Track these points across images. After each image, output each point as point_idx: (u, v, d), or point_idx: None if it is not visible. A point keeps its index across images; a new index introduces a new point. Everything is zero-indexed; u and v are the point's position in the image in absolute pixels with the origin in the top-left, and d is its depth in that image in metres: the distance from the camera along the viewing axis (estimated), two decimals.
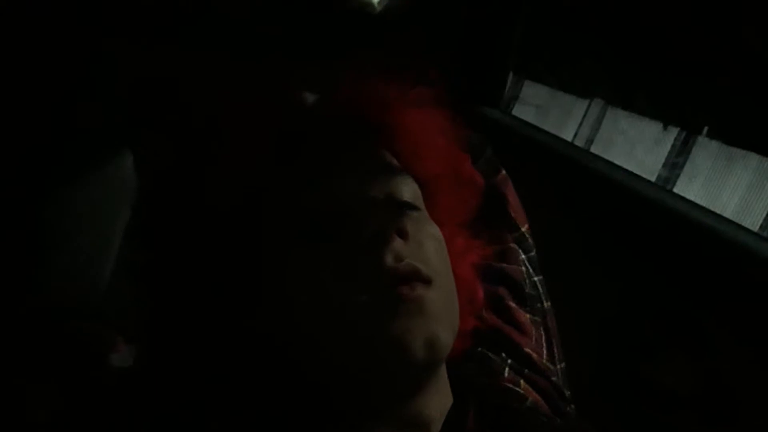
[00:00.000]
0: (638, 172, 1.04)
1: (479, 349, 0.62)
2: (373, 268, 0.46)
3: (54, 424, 0.58)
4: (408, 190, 0.52)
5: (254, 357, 0.48)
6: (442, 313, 0.48)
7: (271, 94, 0.53)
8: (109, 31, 0.73)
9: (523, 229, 0.72)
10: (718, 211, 0.92)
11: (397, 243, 0.47)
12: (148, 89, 0.68)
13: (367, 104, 0.54)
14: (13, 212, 0.75)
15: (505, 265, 0.68)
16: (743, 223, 0.91)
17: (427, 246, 0.50)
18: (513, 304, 0.66)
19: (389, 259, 0.46)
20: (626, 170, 1.02)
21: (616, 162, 1.04)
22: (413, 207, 0.52)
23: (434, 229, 0.52)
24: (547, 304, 0.71)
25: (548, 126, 1.32)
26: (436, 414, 0.50)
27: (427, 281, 0.47)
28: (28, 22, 0.70)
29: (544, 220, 0.78)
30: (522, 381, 0.61)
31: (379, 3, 0.93)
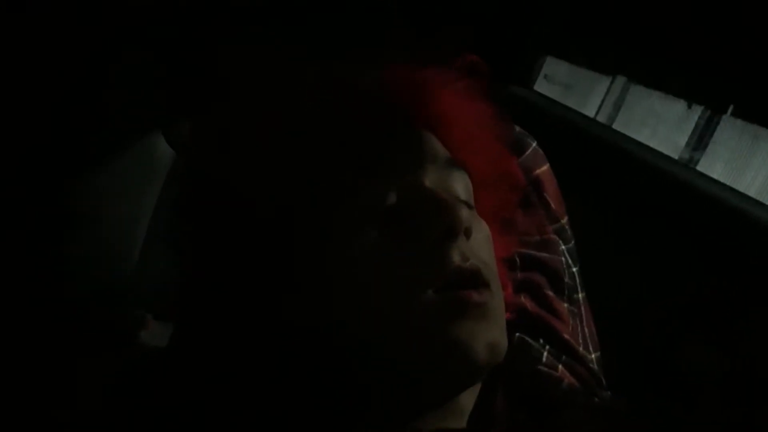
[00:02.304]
0: (662, 151, 1.03)
1: (517, 334, 0.62)
2: (440, 265, 0.46)
3: (91, 411, 0.59)
4: (465, 186, 0.52)
5: (295, 351, 0.48)
6: (500, 318, 0.48)
7: (326, 80, 0.52)
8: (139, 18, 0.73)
9: (563, 221, 0.73)
10: (741, 191, 0.92)
11: (462, 241, 0.47)
12: (199, 70, 0.68)
13: (422, 93, 0.53)
14: (38, 193, 0.75)
15: (545, 254, 0.68)
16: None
17: (485, 246, 0.50)
18: (551, 293, 0.66)
19: (456, 258, 0.46)
20: (656, 151, 1.01)
21: (639, 141, 1.03)
22: (469, 205, 0.52)
23: (486, 227, 0.53)
24: (582, 295, 0.72)
25: (570, 103, 1.31)
26: (470, 401, 0.51)
27: (486, 283, 0.47)
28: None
29: (575, 203, 0.77)
30: (560, 366, 0.62)
31: None
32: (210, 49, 0.70)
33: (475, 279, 0.47)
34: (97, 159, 0.77)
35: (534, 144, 0.74)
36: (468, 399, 0.51)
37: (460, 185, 0.52)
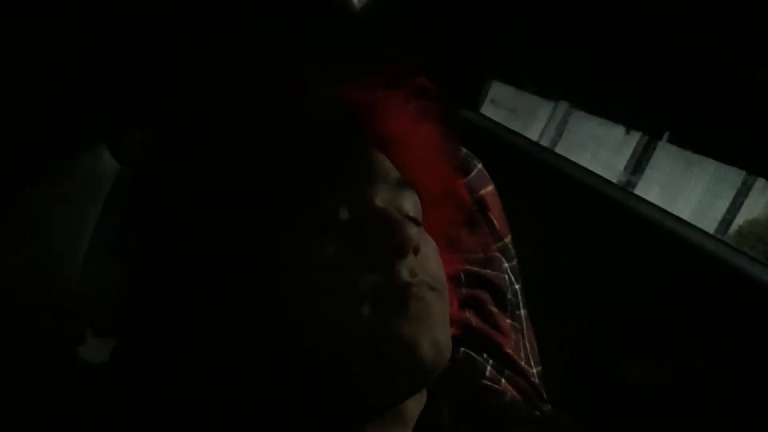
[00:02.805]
0: (601, 174, 1.06)
1: (462, 349, 0.63)
2: (389, 281, 0.46)
3: (19, 422, 0.56)
4: (413, 204, 0.53)
5: (247, 353, 0.47)
6: (444, 321, 0.49)
7: (285, 93, 0.53)
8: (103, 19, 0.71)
9: (506, 240, 0.75)
10: (675, 214, 0.95)
11: (411, 258, 0.48)
12: (152, 77, 0.67)
13: (376, 114, 0.53)
14: None
15: (489, 271, 0.69)
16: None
17: (432, 260, 0.51)
18: (495, 309, 0.68)
19: (405, 274, 0.47)
20: (595, 174, 1.04)
21: (580, 164, 1.07)
22: (417, 222, 0.53)
23: (433, 242, 0.53)
24: (524, 311, 0.73)
25: (514, 127, 1.34)
26: (415, 412, 0.51)
27: (433, 289, 0.48)
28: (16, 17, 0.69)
29: (518, 222, 0.79)
30: (502, 380, 0.63)
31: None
32: (163, 59, 0.69)
33: (422, 287, 0.48)
34: (40, 169, 0.75)
35: (479, 165, 0.76)
36: (413, 410, 0.51)
37: (409, 203, 0.53)
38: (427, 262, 0.50)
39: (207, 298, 0.48)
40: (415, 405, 0.51)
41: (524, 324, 0.72)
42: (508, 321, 0.68)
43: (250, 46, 0.56)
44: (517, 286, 0.73)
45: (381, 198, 0.50)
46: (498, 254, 0.72)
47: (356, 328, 0.45)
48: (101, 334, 0.76)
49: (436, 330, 0.47)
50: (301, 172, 0.49)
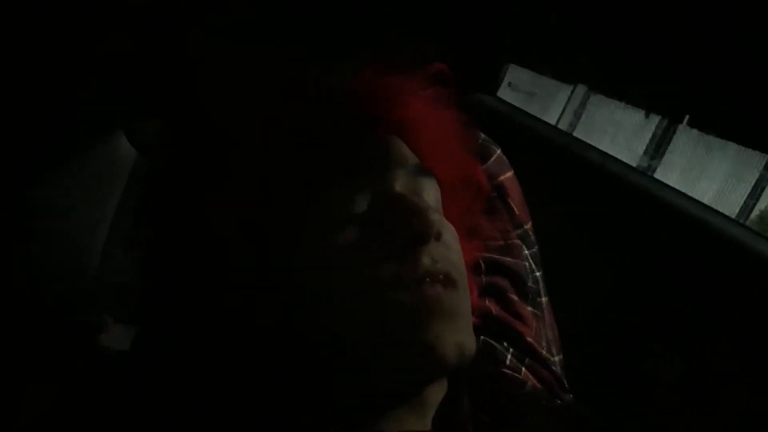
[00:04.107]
0: (621, 159, 1.05)
1: (482, 337, 0.63)
2: (411, 268, 0.46)
3: (47, 411, 0.57)
4: (434, 191, 0.52)
5: (264, 343, 0.48)
6: (468, 319, 0.48)
7: (293, 88, 0.52)
8: (114, 16, 0.72)
9: (527, 227, 0.74)
10: (696, 198, 0.94)
11: (433, 245, 0.48)
12: (162, 73, 0.67)
13: (391, 100, 0.53)
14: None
15: (509, 259, 0.69)
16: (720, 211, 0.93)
17: (453, 248, 0.50)
18: (515, 297, 0.67)
19: (427, 261, 0.46)
20: (615, 158, 1.03)
21: (599, 148, 1.05)
22: (437, 210, 0.52)
23: (453, 230, 0.53)
24: (545, 299, 0.73)
25: (532, 110, 1.33)
26: (435, 399, 0.51)
27: (455, 284, 0.47)
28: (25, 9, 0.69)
29: (536, 208, 0.79)
30: (523, 368, 0.62)
31: None
32: (175, 52, 0.69)
33: (444, 280, 0.47)
34: (59, 160, 0.76)
35: (498, 151, 0.75)
36: (433, 398, 0.51)
37: (430, 189, 0.52)
38: (449, 250, 0.50)
39: (224, 289, 0.48)
40: (435, 393, 0.51)
41: (545, 312, 0.72)
42: (529, 309, 0.68)
43: (260, 38, 0.56)
44: (537, 274, 0.72)
45: (400, 184, 0.50)
46: (518, 241, 0.71)
47: (379, 319, 0.45)
48: (123, 321, 0.77)
49: (460, 331, 0.47)
50: (317, 162, 0.49)
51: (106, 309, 0.77)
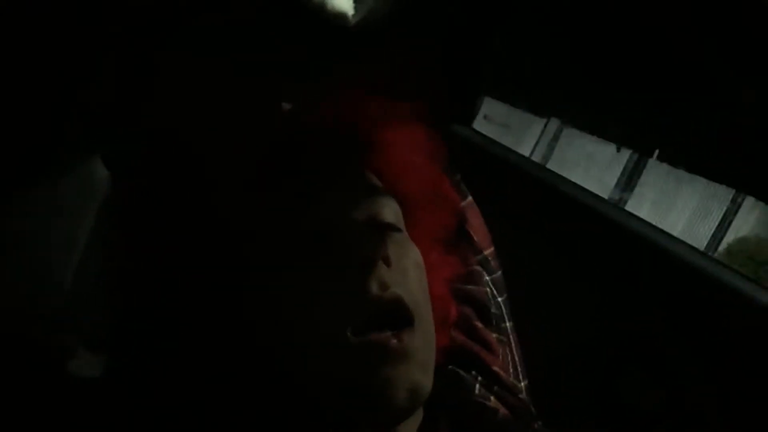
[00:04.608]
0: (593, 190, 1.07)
1: (449, 367, 0.63)
2: (359, 296, 0.45)
3: None
4: (391, 211, 0.51)
5: (233, 370, 0.47)
6: (424, 357, 0.48)
7: (255, 111, 0.53)
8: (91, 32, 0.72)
9: (487, 253, 0.73)
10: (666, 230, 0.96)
11: (382, 270, 0.47)
12: (129, 96, 0.67)
13: (349, 120, 0.53)
14: None
15: (471, 286, 0.69)
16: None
17: (410, 273, 0.50)
18: (480, 324, 0.67)
19: (374, 288, 0.46)
20: (587, 190, 1.04)
21: (572, 180, 1.07)
22: (396, 228, 0.51)
23: (415, 253, 0.52)
24: (510, 324, 0.73)
25: (506, 142, 1.34)
26: (410, 430, 0.51)
27: (408, 318, 0.47)
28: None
29: (509, 236, 0.79)
30: (492, 397, 0.62)
31: (353, 16, 0.93)
32: (148, 71, 0.69)
33: (396, 310, 0.46)
34: (33, 181, 0.74)
35: (457, 176, 0.75)
36: (408, 429, 0.51)
37: (388, 210, 0.51)
38: (403, 275, 0.49)
39: (193, 317, 0.48)
40: (407, 428, 0.50)
41: (510, 336, 0.72)
42: (494, 335, 0.68)
43: (225, 59, 0.56)
44: (500, 299, 0.72)
45: (353, 209, 0.49)
46: (478, 268, 0.71)
47: (329, 369, 0.45)
48: (91, 348, 0.75)
49: (413, 373, 0.46)
50: (270, 193, 0.49)
51: (76, 335, 0.75)
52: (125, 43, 0.71)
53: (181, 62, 0.58)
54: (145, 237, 0.50)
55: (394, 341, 0.45)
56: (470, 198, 0.76)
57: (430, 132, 0.56)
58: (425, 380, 0.47)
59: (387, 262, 0.47)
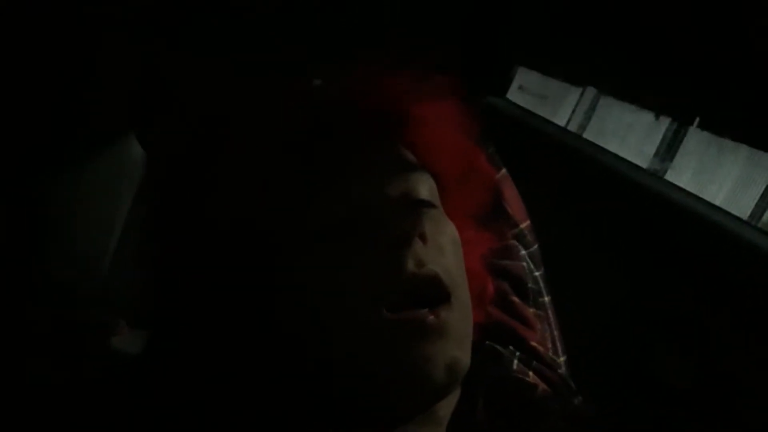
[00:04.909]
0: (631, 160, 1.05)
1: (487, 342, 0.62)
2: (393, 273, 0.45)
3: (57, 410, 0.58)
4: (426, 187, 0.51)
5: (268, 353, 0.48)
6: (462, 333, 0.48)
7: (285, 89, 0.52)
8: (119, 20, 0.72)
9: (523, 226, 0.73)
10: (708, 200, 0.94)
11: (418, 247, 0.47)
12: (162, 80, 0.67)
13: (382, 96, 0.53)
14: (13, 196, 0.74)
15: (507, 261, 0.68)
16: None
17: (447, 250, 0.50)
18: (517, 299, 0.67)
19: (411, 265, 0.46)
20: (625, 160, 1.03)
21: (609, 150, 1.05)
22: (431, 205, 0.52)
23: (451, 229, 0.52)
24: (547, 298, 0.72)
25: (542, 113, 1.32)
26: (447, 410, 0.51)
27: (445, 294, 0.46)
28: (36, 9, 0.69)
29: (546, 209, 0.78)
30: (531, 372, 0.62)
31: None
32: (179, 57, 0.70)
33: (432, 288, 0.46)
34: (72, 161, 0.76)
35: (492, 149, 0.74)
36: (444, 409, 0.51)
37: (423, 186, 0.51)
38: (440, 252, 0.49)
39: (227, 291, 0.48)
40: (446, 404, 0.51)
41: (548, 311, 0.71)
42: (531, 310, 0.67)
43: (258, 38, 0.56)
44: (537, 273, 0.71)
45: (387, 185, 0.49)
46: (514, 242, 0.70)
47: (364, 346, 0.45)
48: (136, 326, 0.77)
49: (451, 349, 0.46)
50: (303, 172, 0.49)
51: (119, 311, 0.77)
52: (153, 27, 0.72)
53: (206, 45, 0.58)
54: (181, 216, 0.51)
55: (431, 317, 0.45)
56: (504, 170, 0.75)
57: (463, 106, 0.56)
58: (463, 356, 0.47)
59: (423, 239, 0.47)
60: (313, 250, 0.47)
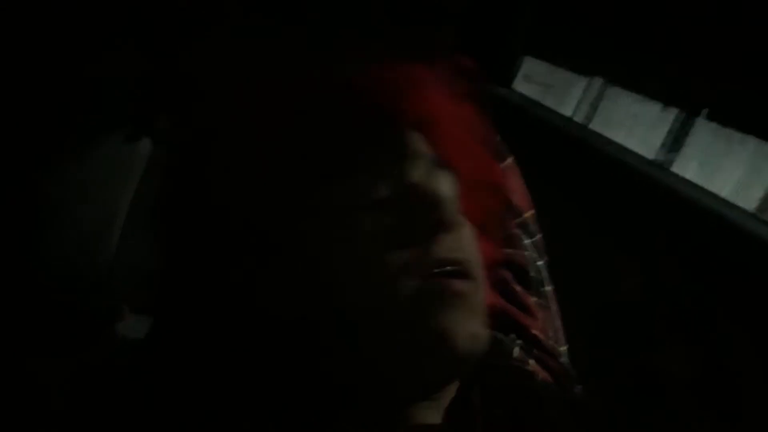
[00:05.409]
0: (638, 151, 1.05)
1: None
2: (425, 255, 0.46)
3: (61, 395, 0.58)
4: (450, 186, 0.52)
5: (278, 334, 0.48)
6: (482, 312, 0.48)
7: (313, 75, 0.52)
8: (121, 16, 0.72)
9: (527, 215, 0.74)
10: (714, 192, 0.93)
11: (450, 235, 0.48)
12: (167, 72, 0.67)
13: (412, 95, 0.53)
14: (17, 183, 0.74)
15: (509, 250, 0.68)
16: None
17: (470, 242, 0.51)
18: (518, 288, 0.67)
19: (442, 250, 0.46)
20: (631, 151, 1.02)
21: (615, 141, 1.05)
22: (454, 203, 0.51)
23: (471, 228, 0.53)
24: (550, 288, 0.72)
25: (548, 103, 1.32)
26: (449, 396, 0.52)
27: (470, 276, 0.47)
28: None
29: (551, 199, 0.78)
30: (531, 360, 0.62)
31: None
32: (191, 46, 0.69)
33: (459, 271, 0.47)
34: (77, 149, 0.76)
35: (498, 138, 0.74)
36: (446, 393, 0.51)
37: (446, 184, 0.51)
38: (466, 242, 0.50)
39: (233, 286, 0.48)
40: (448, 391, 0.52)
41: (550, 301, 0.71)
42: (533, 299, 0.67)
43: (271, 27, 0.55)
44: (540, 263, 0.72)
45: (418, 175, 0.49)
46: (517, 231, 0.70)
47: (390, 305, 0.45)
48: (139, 311, 0.78)
49: (474, 321, 0.47)
50: (333, 150, 0.49)
51: (123, 298, 0.78)
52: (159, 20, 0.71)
53: (219, 35, 0.58)
54: (193, 201, 0.51)
55: (458, 283, 0.46)
56: (510, 160, 0.75)
57: (482, 113, 0.56)
58: (485, 334, 0.48)
59: (455, 229, 0.49)
60: (345, 226, 0.47)
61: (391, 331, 0.45)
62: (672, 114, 1.28)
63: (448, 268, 0.47)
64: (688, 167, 1.17)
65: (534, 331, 0.65)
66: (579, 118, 1.32)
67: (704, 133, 1.24)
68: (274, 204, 0.49)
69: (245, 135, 0.50)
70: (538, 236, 0.73)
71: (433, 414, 0.50)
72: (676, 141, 1.23)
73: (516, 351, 0.63)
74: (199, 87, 0.56)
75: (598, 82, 1.45)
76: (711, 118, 1.16)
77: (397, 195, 0.48)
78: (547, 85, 1.36)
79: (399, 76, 0.53)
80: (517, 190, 0.74)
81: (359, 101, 0.51)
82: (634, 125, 1.35)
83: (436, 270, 0.46)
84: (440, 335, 0.45)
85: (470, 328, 0.46)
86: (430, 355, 0.46)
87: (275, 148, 0.49)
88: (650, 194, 0.91)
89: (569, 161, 1.00)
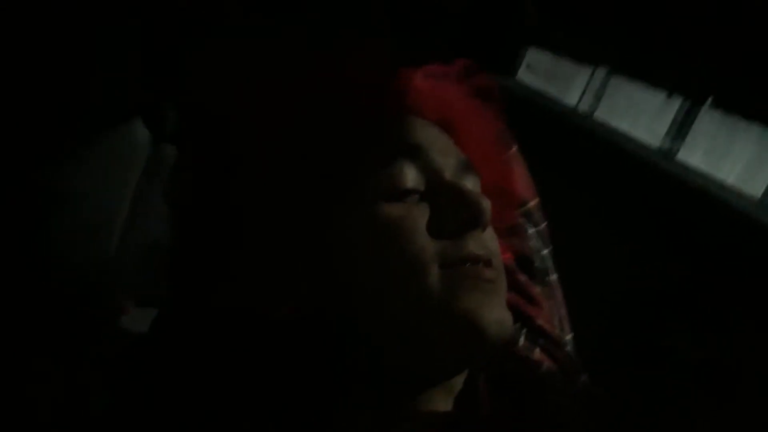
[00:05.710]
0: (642, 140, 1.04)
1: None
2: (457, 248, 0.47)
3: (66, 392, 0.58)
4: (476, 186, 0.53)
5: (288, 325, 0.48)
6: (505, 301, 0.49)
7: (334, 65, 0.52)
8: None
9: (531, 204, 0.74)
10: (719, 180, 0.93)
11: (480, 233, 0.49)
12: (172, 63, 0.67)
13: (441, 101, 0.54)
14: (20, 174, 0.74)
15: (514, 240, 0.68)
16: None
17: (495, 241, 0.52)
18: (523, 277, 0.67)
19: (473, 245, 0.48)
20: (635, 140, 1.02)
21: (620, 130, 1.04)
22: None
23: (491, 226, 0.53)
24: (555, 277, 0.72)
25: (552, 92, 1.31)
26: (459, 384, 0.52)
27: (496, 269, 0.49)
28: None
29: (555, 188, 0.78)
30: (537, 349, 0.62)
31: None
32: (200, 37, 0.69)
33: (487, 263, 0.48)
34: (79, 145, 0.76)
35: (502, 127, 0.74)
36: (457, 381, 0.52)
37: (473, 184, 0.53)
38: (493, 241, 0.51)
39: (245, 276, 0.49)
40: (461, 377, 0.52)
41: (555, 290, 0.71)
42: (538, 288, 0.68)
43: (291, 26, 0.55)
44: (545, 252, 0.72)
45: (449, 172, 0.51)
46: (521, 220, 0.70)
47: (423, 294, 0.46)
48: (142, 304, 0.78)
49: (500, 307, 0.48)
50: (367, 139, 0.50)
51: (126, 292, 0.78)
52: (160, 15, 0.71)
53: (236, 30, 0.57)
54: (204, 199, 0.51)
55: (487, 271, 0.47)
56: (515, 149, 0.74)
57: (501, 117, 0.57)
58: (510, 319, 0.49)
59: (485, 227, 0.50)
60: (378, 214, 0.48)
61: (420, 316, 0.46)
62: (677, 103, 1.27)
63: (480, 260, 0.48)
64: (693, 155, 1.17)
65: (539, 321, 0.65)
66: (583, 107, 1.31)
67: (709, 121, 1.23)
68: (292, 192, 0.49)
69: (261, 126, 0.50)
70: (543, 225, 0.73)
71: (444, 401, 0.51)
72: (680, 129, 1.23)
73: (521, 340, 0.63)
74: (202, 85, 0.55)
75: (602, 71, 1.44)
76: (716, 106, 1.15)
77: (434, 187, 0.49)
78: (550, 75, 1.36)
79: (428, 84, 0.54)
80: (522, 179, 0.73)
81: (396, 98, 0.52)
82: (639, 114, 1.34)
83: (466, 261, 0.47)
84: (470, 317, 0.46)
85: (498, 314, 0.47)
86: (459, 334, 0.46)
87: (294, 141, 0.50)
88: (655, 182, 0.91)
89: (574, 150, 0.99)
